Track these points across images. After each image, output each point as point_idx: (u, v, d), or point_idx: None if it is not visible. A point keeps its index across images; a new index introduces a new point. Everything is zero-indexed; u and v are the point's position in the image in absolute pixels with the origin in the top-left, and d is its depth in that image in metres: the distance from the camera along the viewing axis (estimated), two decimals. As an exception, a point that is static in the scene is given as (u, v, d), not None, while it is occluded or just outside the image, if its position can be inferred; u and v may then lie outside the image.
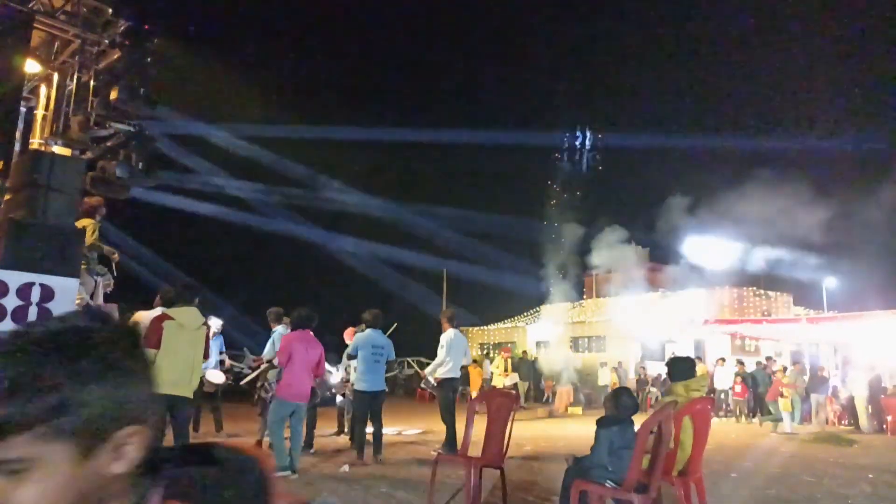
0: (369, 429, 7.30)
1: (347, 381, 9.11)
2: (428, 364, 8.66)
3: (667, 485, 4.26)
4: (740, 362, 16.56)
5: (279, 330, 8.02)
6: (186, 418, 5.63)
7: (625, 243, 22.23)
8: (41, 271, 6.61)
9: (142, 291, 7.58)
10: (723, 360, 16.86)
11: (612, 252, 22.04)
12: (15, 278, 6.45)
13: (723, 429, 12.78)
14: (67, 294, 6.76)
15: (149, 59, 8.13)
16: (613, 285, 23.97)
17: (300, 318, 6.70)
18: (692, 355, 14.28)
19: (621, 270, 22.45)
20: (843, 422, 14.61)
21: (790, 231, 18.85)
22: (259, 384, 8.17)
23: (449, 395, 8.00)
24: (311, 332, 6.70)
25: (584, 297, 28.17)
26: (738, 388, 15.74)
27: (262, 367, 8.03)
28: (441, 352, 8.05)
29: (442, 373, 8.00)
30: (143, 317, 7.05)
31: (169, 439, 5.43)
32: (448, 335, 8.13)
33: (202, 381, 7.65)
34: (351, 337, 9.41)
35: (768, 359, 16.63)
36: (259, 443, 7.51)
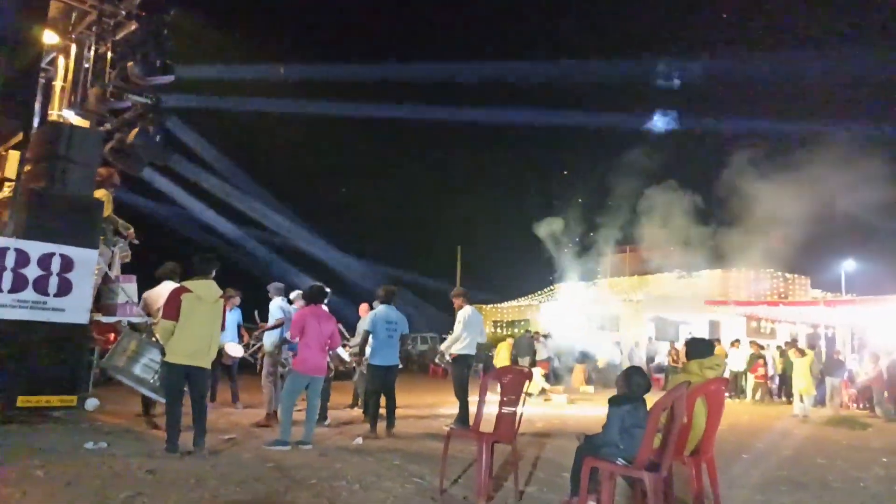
0: (382, 402, 7.39)
1: (361, 355, 9.19)
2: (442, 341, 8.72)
3: (678, 464, 4.27)
4: (759, 345, 16.46)
5: (276, 302, 8.12)
6: (204, 389, 5.71)
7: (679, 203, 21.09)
8: (61, 242, 6.71)
9: (159, 263, 7.61)
10: (737, 342, 16.76)
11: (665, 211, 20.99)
12: (36, 248, 6.55)
13: (735, 410, 12.76)
14: (87, 264, 6.86)
15: (165, 31, 8.11)
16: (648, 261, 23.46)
17: (313, 293, 6.74)
18: (707, 337, 14.19)
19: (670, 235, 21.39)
20: (858, 405, 14.52)
21: (809, 212, 18.52)
22: (260, 355, 8.33)
23: (463, 372, 8.05)
24: (325, 307, 6.76)
25: (600, 276, 28.00)
26: (761, 371, 15.57)
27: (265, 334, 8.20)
28: (458, 327, 8.09)
29: (458, 349, 8.05)
30: (154, 295, 7.18)
31: (187, 408, 5.53)
32: (466, 311, 8.16)
33: (220, 353, 7.76)
34: (365, 312, 9.48)
35: (792, 341, 16.44)
36: (274, 413, 7.61)
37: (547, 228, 23.21)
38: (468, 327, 8.04)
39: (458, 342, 8.05)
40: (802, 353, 13.07)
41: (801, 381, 12.50)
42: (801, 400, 12.44)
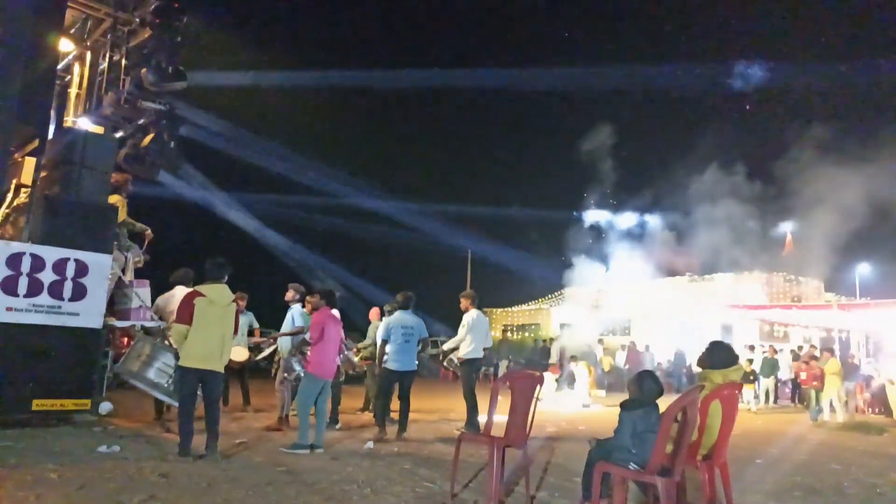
0: (395, 406, 7.39)
1: (368, 359, 9.20)
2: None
3: (691, 469, 4.24)
4: (774, 349, 16.27)
5: (297, 307, 8.00)
6: (217, 392, 5.74)
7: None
8: (76, 247, 6.78)
9: (173, 268, 7.70)
10: (752, 347, 16.61)
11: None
12: (51, 254, 6.63)
13: (748, 415, 12.66)
14: (101, 269, 6.93)
15: (179, 38, 8.19)
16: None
17: (331, 295, 6.76)
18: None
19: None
20: (873, 410, 14.34)
21: (821, 213, 18.36)
22: (277, 358, 8.29)
23: (472, 375, 8.05)
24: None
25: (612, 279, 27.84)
26: (804, 376, 15.00)
27: (280, 339, 8.14)
28: (461, 331, 8.10)
29: (466, 353, 8.04)
30: (168, 300, 7.25)
31: (200, 412, 5.57)
32: (471, 315, 8.15)
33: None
34: (376, 316, 9.50)
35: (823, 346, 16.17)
36: (287, 418, 7.63)
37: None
38: (472, 331, 8.04)
39: (463, 345, 8.04)
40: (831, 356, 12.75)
41: (832, 388, 12.24)
42: (831, 406, 12.19)
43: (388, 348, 7.44)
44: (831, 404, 12.21)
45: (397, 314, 7.55)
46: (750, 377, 14.04)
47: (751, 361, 14.70)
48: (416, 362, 7.66)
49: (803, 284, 24.55)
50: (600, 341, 19.28)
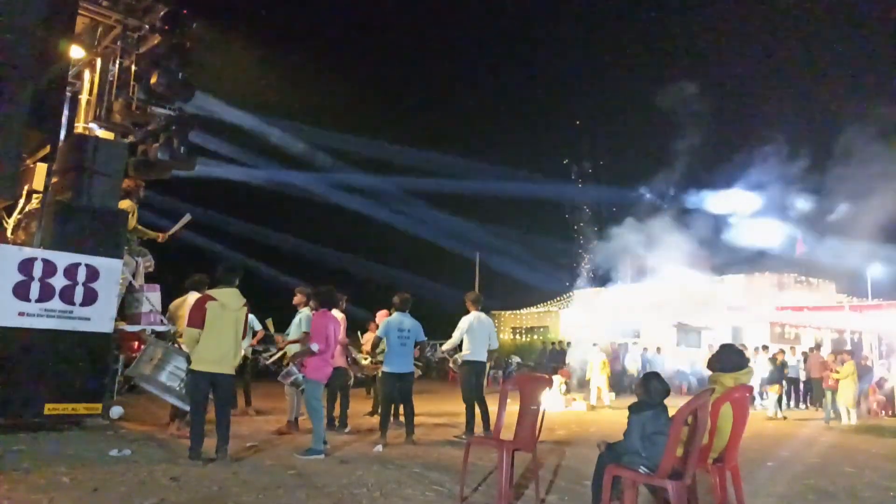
0: (402, 410, 7.38)
1: (377, 363, 9.21)
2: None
3: (702, 472, 4.22)
4: (782, 351, 16.13)
5: (306, 311, 7.92)
6: (229, 395, 5.76)
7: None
8: (87, 252, 6.84)
9: (182, 273, 7.73)
10: (766, 348, 16.47)
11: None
12: (62, 259, 6.69)
13: (759, 418, 12.56)
14: (112, 274, 6.97)
15: (188, 44, 8.25)
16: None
17: (329, 296, 6.75)
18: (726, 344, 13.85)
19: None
20: (886, 412, 14.19)
21: (833, 214, 18.26)
22: (285, 362, 8.29)
23: (470, 378, 7.97)
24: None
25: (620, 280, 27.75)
26: (832, 381, 14.59)
27: (288, 346, 8.09)
28: (455, 333, 8.10)
29: (464, 355, 8.02)
30: (181, 305, 7.29)
31: (211, 415, 5.59)
32: (468, 318, 8.11)
33: None
34: (383, 318, 9.51)
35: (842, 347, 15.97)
36: (297, 421, 7.64)
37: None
38: (469, 333, 8.01)
39: (463, 347, 8.03)
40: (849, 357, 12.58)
41: (848, 392, 12.07)
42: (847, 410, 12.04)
43: (385, 350, 7.45)
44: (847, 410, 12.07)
45: (395, 315, 7.48)
46: (773, 379, 13.70)
47: (778, 363, 14.43)
48: (414, 365, 7.62)
49: (815, 285, 24.36)
50: (636, 344, 19.18)
